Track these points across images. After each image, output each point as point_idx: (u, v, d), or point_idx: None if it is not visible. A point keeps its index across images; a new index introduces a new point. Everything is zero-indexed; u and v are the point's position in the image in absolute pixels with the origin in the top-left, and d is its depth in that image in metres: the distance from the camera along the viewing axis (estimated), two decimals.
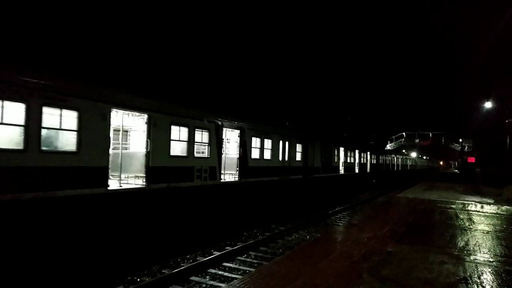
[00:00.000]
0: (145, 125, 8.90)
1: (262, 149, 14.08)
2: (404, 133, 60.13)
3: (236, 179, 12.65)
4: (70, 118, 7.05)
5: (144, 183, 8.74)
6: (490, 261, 6.00)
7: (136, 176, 9.24)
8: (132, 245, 8.11)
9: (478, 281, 4.99)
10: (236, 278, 6.53)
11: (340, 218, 15.67)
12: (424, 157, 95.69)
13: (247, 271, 7.71)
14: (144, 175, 8.79)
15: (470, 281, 4.97)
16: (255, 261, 8.93)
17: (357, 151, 27.77)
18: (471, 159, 43.41)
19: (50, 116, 6.76)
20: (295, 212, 15.43)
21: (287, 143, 15.94)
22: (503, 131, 24.95)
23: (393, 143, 60.38)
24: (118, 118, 8.96)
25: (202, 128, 10.82)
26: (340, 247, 6.69)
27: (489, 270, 5.53)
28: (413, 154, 72.40)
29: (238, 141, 12.84)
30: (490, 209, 13.00)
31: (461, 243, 7.23)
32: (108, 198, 7.72)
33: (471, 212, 11.96)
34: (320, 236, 10.26)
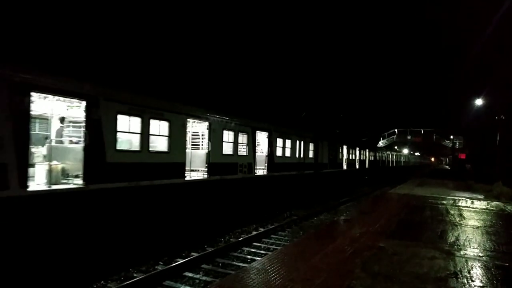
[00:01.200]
0: (206, 130, 11.51)
1: (284, 148, 16.65)
2: (396, 130, 60.54)
3: (265, 173, 15.35)
4: (164, 127, 9.71)
5: (205, 176, 11.40)
6: (480, 256, 6.07)
7: (198, 170, 11.75)
8: (204, 218, 11.03)
9: (468, 275, 5.04)
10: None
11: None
12: (416, 154, 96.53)
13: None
14: (206, 169, 11.53)
15: (460, 275, 5.03)
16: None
17: (357, 149, 29.93)
18: (462, 156, 43.95)
19: (153, 126, 9.33)
20: (310, 201, 18.29)
21: (302, 142, 18.47)
22: (493, 128, 25.24)
23: (385, 140, 60.76)
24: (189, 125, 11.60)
25: (243, 131, 13.58)
26: (331, 246, 6.72)
27: (479, 264, 5.59)
28: (405, 151, 73.03)
29: (267, 142, 15.40)
30: (480, 204, 13.17)
31: (451, 238, 7.30)
32: (185, 186, 10.48)
33: (461, 207, 12.10)
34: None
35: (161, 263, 8.27)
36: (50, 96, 7.33)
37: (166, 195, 9.68)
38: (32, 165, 7.11)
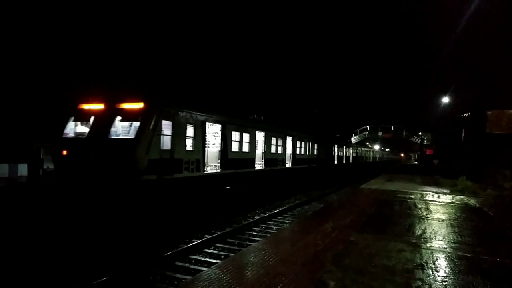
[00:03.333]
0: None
1: (300, 147, 22.48)
2: (368, 127, 62.01)
3: (290, 166, 20.74)
4: (246, 137, 15.41)
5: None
6: (444, 248, 6.35)
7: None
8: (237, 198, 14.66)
9: (433, 266, 5.27)
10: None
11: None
12: (387, 150, 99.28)
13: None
14: (263, 162, 17.32)
15: (426, 267, 5.24)
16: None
17: (344, 147, 36.03)
18: (430, 152, 45.59)
19: (244, 137, 15.30)
20: (317, 187, 23.87)
21: (309, 143, 24.20)
22: (458, 125, 26.33)
23: (357, 136, 62.12)
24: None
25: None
26: (304, 240, 6.83)
27: (443, 256, 5.85)
28: (376, 147, 74.89)
29: (291, 143, 20.79)
30: (445, 198, 13.73)
31: (418, 231, 7.59)
32: (255, 173, 16.39)
33: (428, 201, 12.58)
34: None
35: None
36: (210, 124, 12.86)
37: (248, 177, 15.65)
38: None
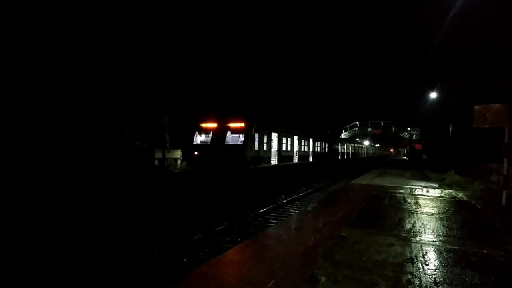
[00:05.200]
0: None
1: (314, 145, 28.59)
2: (357, 122, 62.46)
3: (311, 160, 27.68)
4: (290, 140, 22.25)
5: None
6: (433, 241, 6.44)
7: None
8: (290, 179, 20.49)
9: (423, 260, 5.34)
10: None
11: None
12: (376, 145, 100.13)
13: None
14: (297, 157, 23.14)
15: (416, 260, 5.31)
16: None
17: (339, 144, 41.07)
18: (418, 146, 46.18)
19: (287, 139, 22.15)
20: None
21: (320, 142, 30.64)
22: (446, 120, 26.70)
23: (347, 132, 62.51)
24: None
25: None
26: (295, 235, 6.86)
27: (432, 249, 5.93)
28: (366, 142, 75.49)
29: (312, 143, 27.89)
30: (434, 193, 13.93)
31: (408, 226, 7.68)
32: (295, 165, 22.77)
33: (417, 196, 12.74)
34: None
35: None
36: (272, 133, 19.05)
37: (290, 167, 20.94)
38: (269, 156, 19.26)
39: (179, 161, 29.95)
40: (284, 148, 21.60)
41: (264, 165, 17.57)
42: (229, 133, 16.63)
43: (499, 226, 8.00)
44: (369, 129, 61.96)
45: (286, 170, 20.86)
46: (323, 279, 4.51)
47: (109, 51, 26.23)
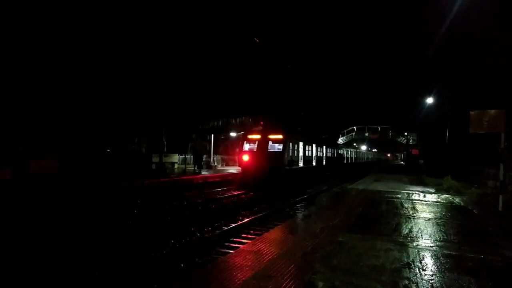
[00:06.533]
0: (307, 146, 25.62)
1: (327, 151, 32.22)
2: (354, 127, 62.58)
3: (324, 163, 31.02)
4: (310, 147, 26.65)
5: (302, 165, 24.44)
6: (430, 246, 6.44)
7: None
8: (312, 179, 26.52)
9: (420, 265, 5.34)
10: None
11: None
12: (374, 150, 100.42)
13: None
14: (303, 161, 24.52)
15: (413, 265, 5.32)
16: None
17: (344, 149, 46.21)
18: (415, 151, 46.31)
19: (311, 146, 27.14)
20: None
21: (329, 148, 34.10)
22: (443, 125, 26.82)
23: (344, 137, 62.59)
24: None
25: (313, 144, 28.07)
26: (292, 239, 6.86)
27: (430, 254, 5.94)
28: (363, 147, 75.68)
29: (325, 149, 31.60)
30: (431, 198, 13.96)
31: (405, 231, 7.69)
32: (313, 167, 27.63)
33: (414, 201, 12.77)
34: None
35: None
36: (300, 142, 23.87)
37: (311, 169, 26.08)
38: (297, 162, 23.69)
39: (176, 165, 29.94)
40: (307, 154, 27.30)
41: (296, 166, 22.92)
42: (271, 143, 21.80)
43: (496, 231, 8.02)
44: (366, 134, 62.05)
45: (305, 172, 25.97)
46: (320, 284, 4.52)
47: (108, 51, 26.06)
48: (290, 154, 21.75)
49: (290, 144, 21.89)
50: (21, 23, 21.79)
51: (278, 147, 21.71)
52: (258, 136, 21.74)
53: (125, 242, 8.76)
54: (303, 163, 26.02)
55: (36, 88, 22.05)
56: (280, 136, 21.44)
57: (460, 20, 22.34)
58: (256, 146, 21.64)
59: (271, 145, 21.81)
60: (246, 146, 22.45)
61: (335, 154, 40.79)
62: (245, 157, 21.53)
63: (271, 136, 21.64)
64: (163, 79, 30.28)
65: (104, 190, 16.50)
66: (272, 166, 20.00)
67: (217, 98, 36.39)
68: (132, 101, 27.12)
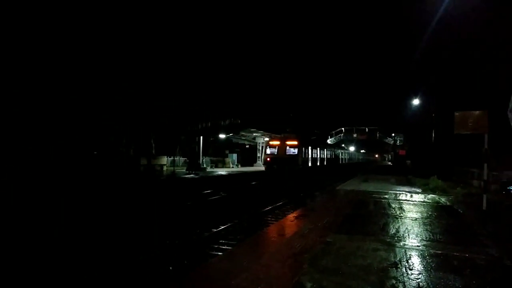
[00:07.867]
0: (315, 149, 38.89)
1: (331, 152, 42.58)
2: (343, 128, 63.07)
3: (310, 164, 38.89)
4: (317, 150, 40.57)
5: (311, 164, 37.71)
6: (417, 246, 6.53)
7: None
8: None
9: (407, 264, 5.41)
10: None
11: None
12: (362, 151, 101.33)
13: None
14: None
15: (400, 265, 5.38)
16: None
17: (340, 150, 53.30)
18: (402, 152, 46.97)
19: (321, 150, 43.09)
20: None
21: (331, 149, 44.64)
22: (429, 126, 27.25)
23: (333, 138, 63.00)
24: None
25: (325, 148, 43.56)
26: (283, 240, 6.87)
27: (416, 254, 6.02)
28: (352, 148, 76.35)
29: (326, 151, 42.58)
30: (418, 198, 14.15)
31: (392, 230, 7.78)
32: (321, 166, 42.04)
33: (402, 201, 12.93)
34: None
35: None
36: (309, 146, 36.12)
37: (320, 167, 40.02)
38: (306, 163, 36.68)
39: (165, 168, 29.73)
40: (313, 156, 36.33)
41: (308, 166, 29.76)
42: (287, 147, 29.82)
43: (480, 230, 8.17)
44: (355, 135, 62.58)
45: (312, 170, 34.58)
46: (309, 285, 4.53)
47: (107, 51, 25.67)
48: (304, 157, 28.31)
49: (303, 148, 30.17)
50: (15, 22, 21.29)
51: (294, 151, 30.47)
52: (277, 142, 32.12)
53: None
54: (302, 164, 33.47)
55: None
56: (296, 142, 29.95)
57: (446, 22, 22.75)
58: (276, 150, 31.46)
59: (289, 150, 30.95)
60: (268, 150, 32.44)
61: (325, 155, 43.86)
62: (268, 159, 31.65)
63: (289, 143, 30.76)
64: (151, 80, 30.01)
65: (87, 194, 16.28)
66: (288, 166, 28.12)
67: (206, 99, 36.28)
68: (119, 102, 26.73)
